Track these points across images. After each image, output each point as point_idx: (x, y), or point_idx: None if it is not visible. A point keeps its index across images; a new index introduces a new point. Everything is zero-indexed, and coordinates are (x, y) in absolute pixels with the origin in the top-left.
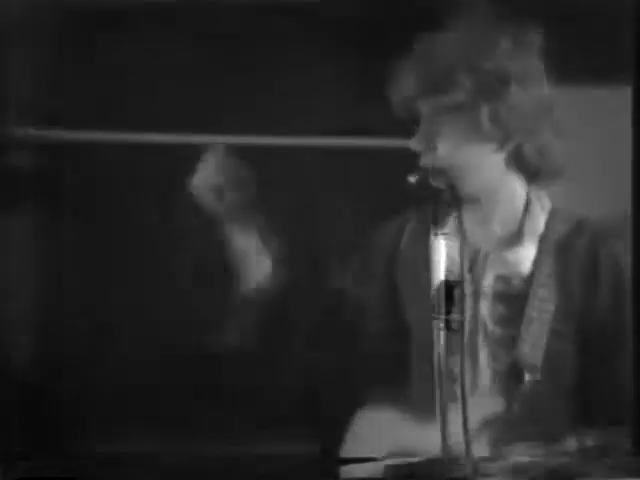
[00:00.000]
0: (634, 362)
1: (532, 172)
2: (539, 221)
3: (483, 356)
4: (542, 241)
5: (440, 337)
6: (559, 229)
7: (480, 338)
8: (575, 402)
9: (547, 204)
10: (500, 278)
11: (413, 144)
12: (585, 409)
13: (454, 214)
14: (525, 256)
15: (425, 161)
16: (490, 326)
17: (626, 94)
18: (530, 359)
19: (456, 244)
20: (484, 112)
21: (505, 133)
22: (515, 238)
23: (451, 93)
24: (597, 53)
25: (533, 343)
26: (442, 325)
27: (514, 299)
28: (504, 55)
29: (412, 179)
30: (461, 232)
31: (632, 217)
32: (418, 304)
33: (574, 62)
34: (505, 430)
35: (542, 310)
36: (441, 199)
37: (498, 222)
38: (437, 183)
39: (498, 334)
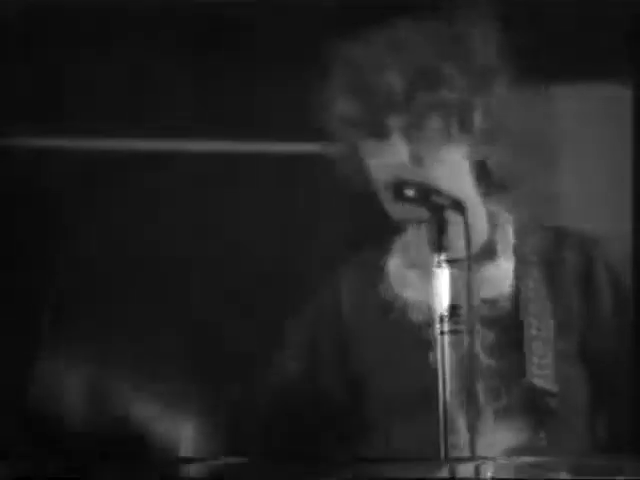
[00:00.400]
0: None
1: (495, 181)
2: (508, 233)
3: (481, 394)
4: (517, 254)
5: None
6: (532, 240)
7: (473, 375)
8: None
9: (507, 215)
10: (484, 302)
11: (395, 158)
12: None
13: (462, 233)
14: (504, 273)
15: (407, 174)
16: (484, 359)
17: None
18: (541, 382)
19: (462, 269)
20: (477, 111)
21: (486, 137)
22: (488, 254)
23: (441, 90)
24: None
25: (540, 364)
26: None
27: (505, 322)
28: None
29: (410, 193)
30: (469, 254)
31: (632, 232)
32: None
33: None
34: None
35: (541, 327)
36: (443, 217)
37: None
38: (438, 198)
39: (495, 366)
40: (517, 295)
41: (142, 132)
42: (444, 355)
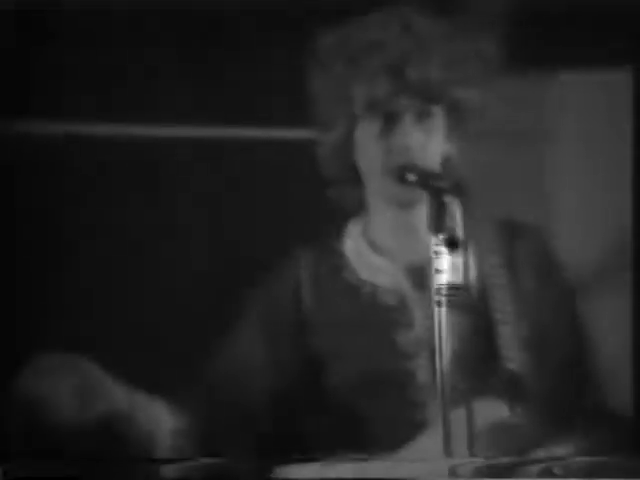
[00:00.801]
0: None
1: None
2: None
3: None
4: (476, 243)
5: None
6: (487, 230)
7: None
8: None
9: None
10: (452, 288)
11: (403, 143)
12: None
13: (459, 216)
14: (465, 260)
15: (408, 158)
16: (456, 343)
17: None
18: (509, 364)
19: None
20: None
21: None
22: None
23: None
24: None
25: (506, 346)
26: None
27: (471, 308)
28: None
29: (412, 178)
30: (466, 237)
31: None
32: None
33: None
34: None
35: (503, 312)
36: (443, 200)
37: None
38: (439, 182)
39: (466, 350)
40: (480, 281)
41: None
42: (442, 339)
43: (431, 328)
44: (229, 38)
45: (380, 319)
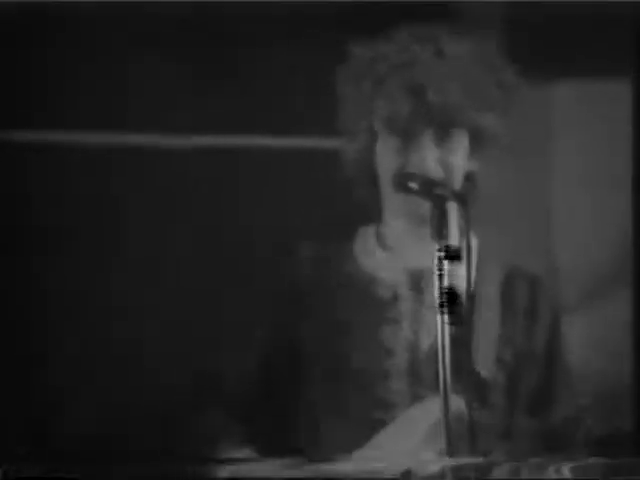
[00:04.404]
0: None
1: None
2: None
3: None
4: (478, 260)
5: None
6: (493, 249)
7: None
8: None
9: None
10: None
11: (420, 160)
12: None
13: (461, 224)
14: (464, 273)
15: (413, 167)
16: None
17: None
18: (483, 371)
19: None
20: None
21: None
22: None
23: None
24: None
25: (484, 356)
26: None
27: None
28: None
29: (413, 186)
30: (469, 244)
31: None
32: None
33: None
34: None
35: (487, 320)
36: (445, 208)
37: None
38: (441, 190)
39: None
40: (472, 294)
41: (140, 127)
42: (444, 341)
43: (417, 330)
44: (259, 42)
45: (375, 314)
